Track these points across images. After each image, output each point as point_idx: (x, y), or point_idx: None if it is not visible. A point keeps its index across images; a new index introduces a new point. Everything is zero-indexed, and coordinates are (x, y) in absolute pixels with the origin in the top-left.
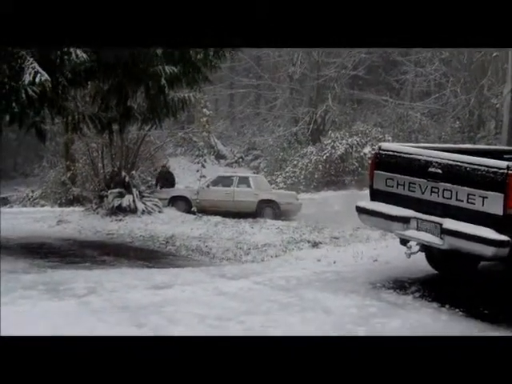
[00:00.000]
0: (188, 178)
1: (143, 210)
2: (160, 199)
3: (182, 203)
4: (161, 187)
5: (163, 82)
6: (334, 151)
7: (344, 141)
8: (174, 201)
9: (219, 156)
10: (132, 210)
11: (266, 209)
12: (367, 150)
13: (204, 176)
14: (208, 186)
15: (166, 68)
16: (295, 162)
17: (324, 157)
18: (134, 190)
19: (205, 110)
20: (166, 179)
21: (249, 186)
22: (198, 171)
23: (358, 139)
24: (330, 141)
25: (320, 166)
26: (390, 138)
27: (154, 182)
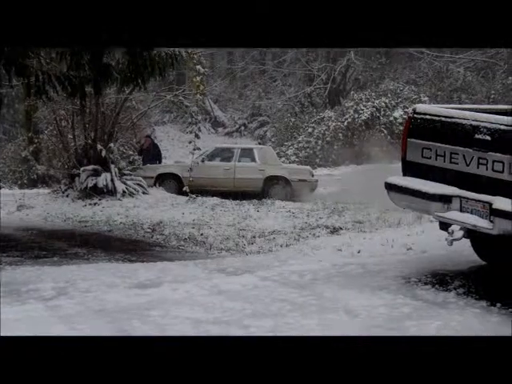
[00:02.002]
0: (178, 151)
1: (123, 192)
2: (144, 178)
3: (171, 182)
4: (144, 163)
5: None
6: (357, 116)
7: (369, 103)
8: (161, 179)
9: (217, 124)
10: (110, 192)
11: (274, 187)
12: (398, 113)
13: (198, 148)
14: (203, 161)
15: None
16: (310, 130)
17: (345, 123)
18: (112, 166)
19: (198, 67)
20: (150, 153)
21: (253, 159)
22: (190, 142)
23: (386, 101)
24: (352, 103)
25: (340, 134)
26: (426, 99)
27: (135, 157)
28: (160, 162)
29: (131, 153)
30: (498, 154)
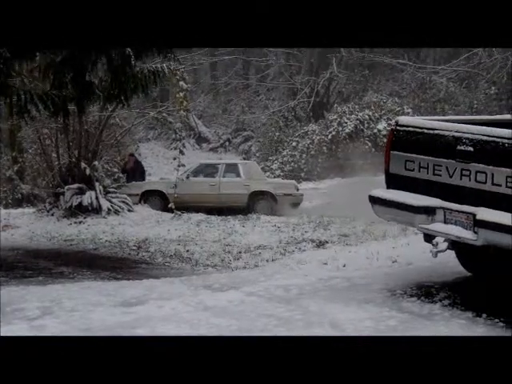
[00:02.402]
0: (163, 167)
1: (109, 209)
2: (129, 195)
3: (156, 199)
4: (128, 182)
5: (128, 50)
6: (341, 129)
7: (353, 116)
8: (146, 196)
9: (201, 139)
10: (95, 210)
11: (259, 202)
12: (382, 125)
13: (183, 165)
14: (188, 177)
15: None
16: (294, 144)
17: (329, 136)
18: (96, 184)
19: (182, 83)
20: (134, 171)
21: (238, 175)
22: (175, 159)
23: (370, 113)
24: (336, 116)
25: (324, 147)
26: (409, 111)
27: (120, 175)
28: (144, 180)
29: (116, 170)
30: (480, 165)
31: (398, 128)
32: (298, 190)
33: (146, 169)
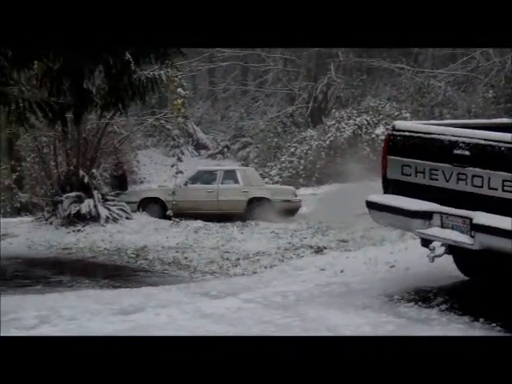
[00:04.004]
0: (162, 174)
1: (107, 217)
2: (128, 203)
3: (155, 206)
4: (113, 189)
5: (128, 56)
6: (339, 134)
7: (351, 121)
8: (145, 204)
9: (199, 146)
10: (93, 218)
11: (257, 209)
12: (380, 130)
13: (181, 171)
14: (186, 184)
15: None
16: (292, 150)
17: (327, 141)
18: (95, 192)
19: (179, 89)
20: (121, 179)
21: (236, 181)
22: (173, 166)
23: (368, 118)
24: (334, 121)
25: (323, 153)
26: (407, 115)
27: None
28: (126, 189)
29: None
30: (477, 169)
31: (394, 133)
32: (296, 195)
33: (144, 176)
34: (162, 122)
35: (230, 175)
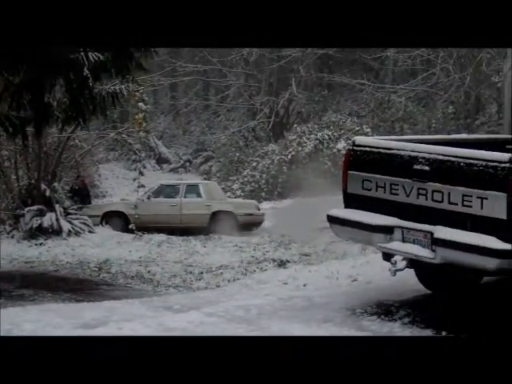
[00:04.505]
0: (124, 188)
1: (69, 231)
2: (90, 216)
3: (117, 220)
4: (75, 203)
5: (86, 72)
6: (300, 149)
7: (313, 135)
8: (107, 217)
9: (161, 160)
10: (55, 232)
11: (221, 222)
12: (341, 145)
13: (143, 185)
14: (149, 198)
15: (90, 55)
16: (254, 164)
17: (289, 156)
18: (56, 206)
19: (141, 104)
20: (78, 195)
21: (199, 195)
22: (135, 180)
23: (329, 133)
24: (295, 136)
25: (284, 167)
26: (368, 130)
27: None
28: (90, 203)
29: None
30: (437, 184)
31: (354, 148)
32: (259, 209)
33: (106, 190)
34: (124, 136)
35: (192, 189)
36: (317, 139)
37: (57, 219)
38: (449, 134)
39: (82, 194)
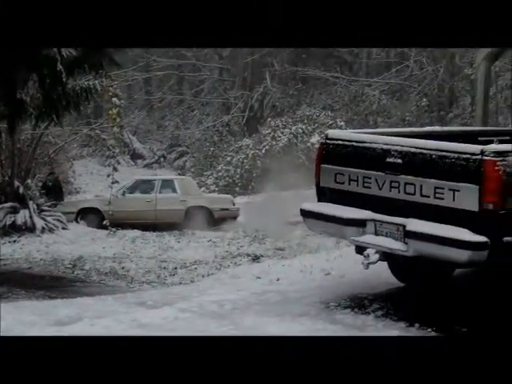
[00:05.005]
0: (98, 184)
1: (43, 228)
2: (65, 213)
3: (92, 217)
4: (49, 199)
5: (59, 67)
6: (274, 143)
7: (287, 129)
8: (82, 214)
9: (136, 156)
10: (29, 229)
11: (196, 218)
12: (315, 139)
13: (117, 181)
14: (124, 194)
15: (63, 50)
16: (229, 159)
17: (263, 150)
18: (30, 203)
19: (114, 99)
20: (51, 191)
21: (174, 190)
22: (109, 176)
23: (303, 127)
24: (269, 130)
25: (259, 161)
26: (342, 124)
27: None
28: (62, 199)
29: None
30: (409, 177)
31: (327, 142)
32: (234, 204)
33: (80, 186)
34: (98, 131)
35: (167, 184)
36: (291, 133)
37: (30, 216)
38: (422, 126)
39: (54, 191)
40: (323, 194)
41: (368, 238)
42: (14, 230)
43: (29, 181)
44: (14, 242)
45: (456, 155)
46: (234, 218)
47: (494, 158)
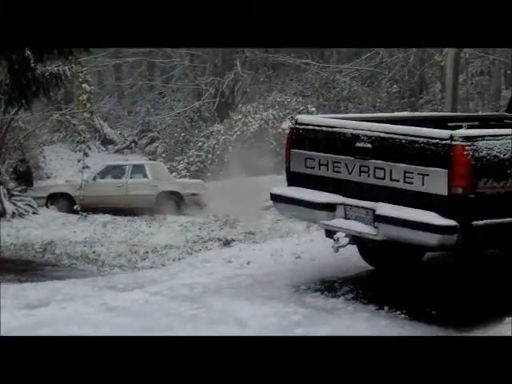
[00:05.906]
0: (69, 169)
1: (13, 213)
2: (35, 198)
3: (63, 202)
4: (19, 184)
5: (28, 53)
6: (246, 128)
7: (258, 115)
8: (53, 199)
9: (106, 141)
10: None
11: (167, 203)
12: (286, 125)
13: (88, 167)
14: (94, 179)
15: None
16: (200, 144)
17: (234, 136)
18: (0, 188)
19: (85, 85)
20: (22, 176)
21: (145, 175)
22: (79, 161)
23: (274, 112)
24: (240, 116)
25: (230, 147)
26: (313, 110)
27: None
28: (31, 185)
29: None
30: (379, 161)
31: (297, 126)
32: (205, 189)
33: (51, 171)
34: (68, 117)
35: (138, 169)
36: (262, 119)
37: (1, 201)
38: (393, 112)
39: (25, 176)
40: (293, 179)
41: (338, 222)
42: None
43: None
44: None
45: (425, 140)
46: (205, 203)
47: (462, 143)
